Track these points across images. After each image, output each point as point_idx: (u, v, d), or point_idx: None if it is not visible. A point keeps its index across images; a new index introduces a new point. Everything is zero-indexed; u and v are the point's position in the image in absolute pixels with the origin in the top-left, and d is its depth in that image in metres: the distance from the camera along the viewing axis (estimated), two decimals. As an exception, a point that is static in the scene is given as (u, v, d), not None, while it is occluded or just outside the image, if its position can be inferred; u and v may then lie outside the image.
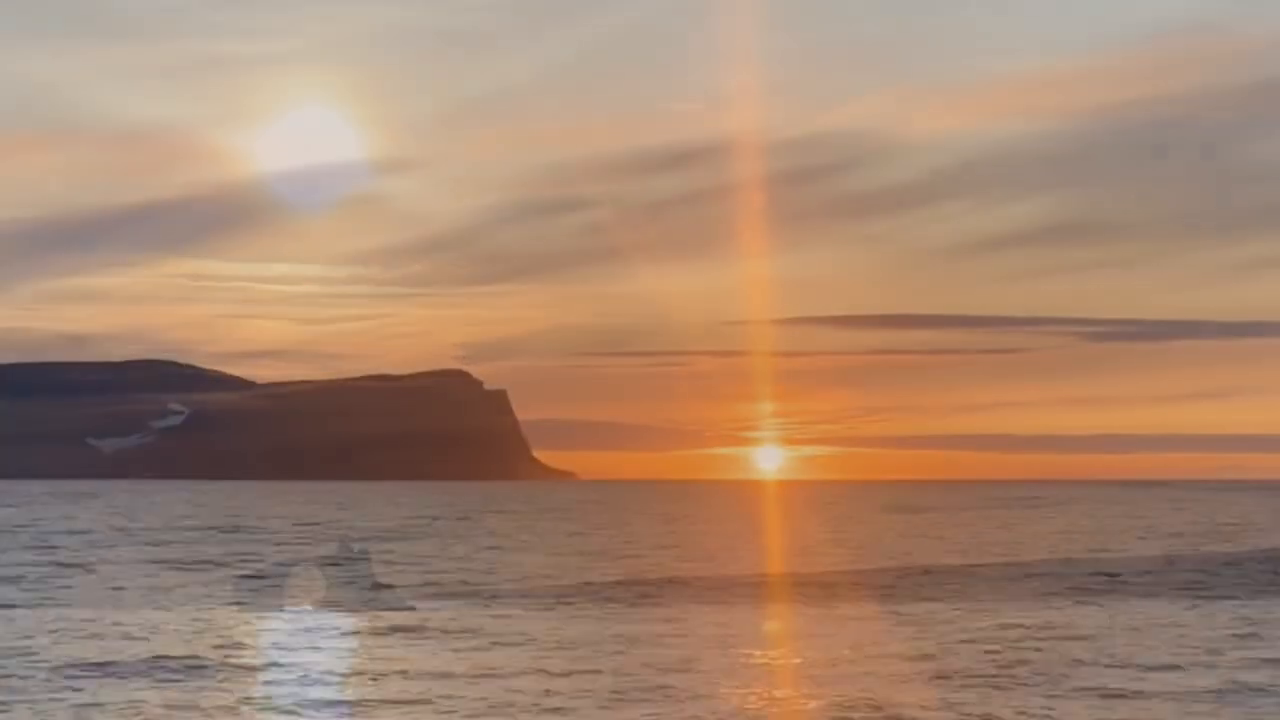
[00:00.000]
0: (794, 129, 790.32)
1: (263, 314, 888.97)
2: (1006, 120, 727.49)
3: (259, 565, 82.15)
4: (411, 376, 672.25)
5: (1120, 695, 38.46)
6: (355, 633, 51.37)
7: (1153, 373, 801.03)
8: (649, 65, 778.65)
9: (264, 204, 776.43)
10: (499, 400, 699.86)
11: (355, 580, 70.31)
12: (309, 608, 58.98)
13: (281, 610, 58.57)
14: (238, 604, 60.20)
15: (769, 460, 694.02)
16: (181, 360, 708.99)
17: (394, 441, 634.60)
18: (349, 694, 38.83)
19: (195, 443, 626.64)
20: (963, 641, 48.14)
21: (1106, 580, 73.64)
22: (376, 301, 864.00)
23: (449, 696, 37.96)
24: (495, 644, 47.50)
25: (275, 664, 43.57)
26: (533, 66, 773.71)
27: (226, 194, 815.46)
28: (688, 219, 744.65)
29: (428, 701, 37.49)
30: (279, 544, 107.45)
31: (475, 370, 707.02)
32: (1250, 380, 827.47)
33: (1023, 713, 36.07)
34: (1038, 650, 46.02)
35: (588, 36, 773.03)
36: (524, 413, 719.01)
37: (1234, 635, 50.86)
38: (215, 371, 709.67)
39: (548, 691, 38.45)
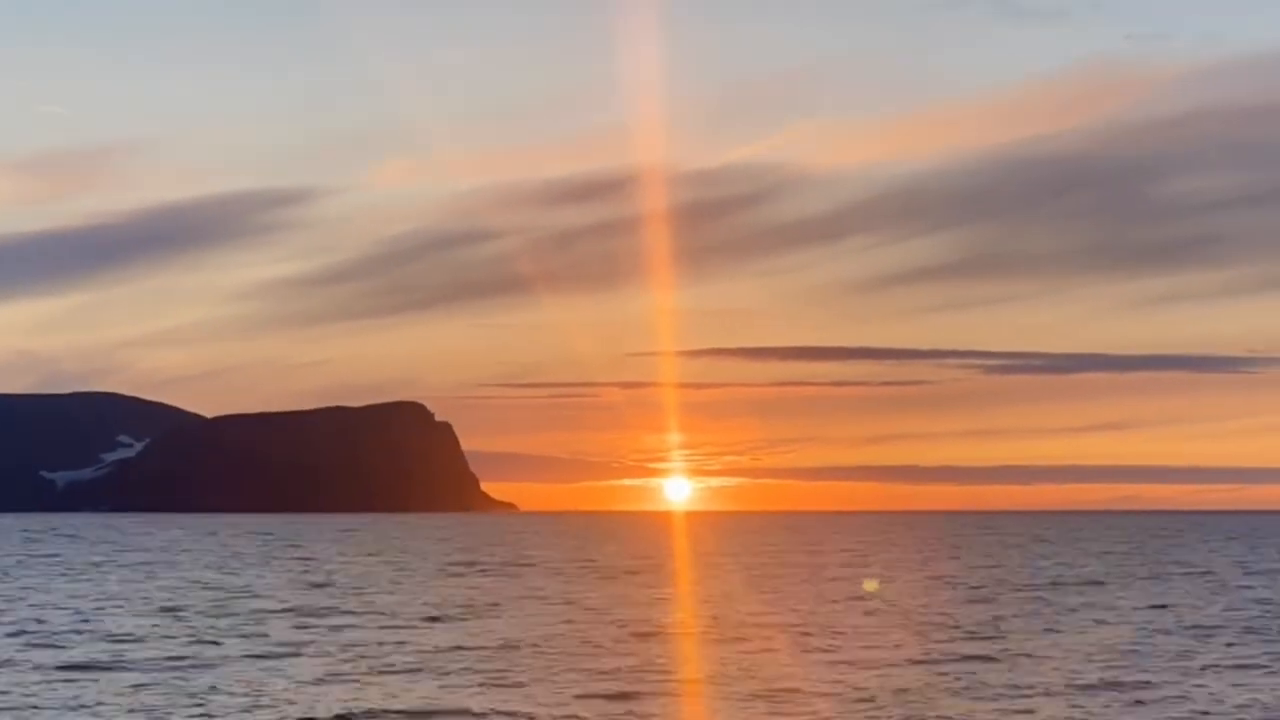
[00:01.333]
0: (705, 162, 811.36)
1: (167, 342, 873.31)
2: (915, 156, 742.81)
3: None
4: (366, 409, 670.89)
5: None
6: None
7: (1053, 405, 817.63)
8: (559, 97, 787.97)
9: (165, 232, 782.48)
10: (448, 433, 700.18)
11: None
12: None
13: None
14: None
15: (676, 491, 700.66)
16: (125, 392, 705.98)
17: (350, 473, 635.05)
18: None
19: (151, 475, 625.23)
20: None
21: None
22: (279, 331, 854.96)
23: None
24: None
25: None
26: (442, 96, 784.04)
27: (126, 221, 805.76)
28: (597, 251, 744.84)
29: None
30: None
31: (375, 400, 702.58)
32: (1146, 412, 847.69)
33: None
34: None
35: (495, 65, 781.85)
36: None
37: None
38: (159, 403, 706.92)
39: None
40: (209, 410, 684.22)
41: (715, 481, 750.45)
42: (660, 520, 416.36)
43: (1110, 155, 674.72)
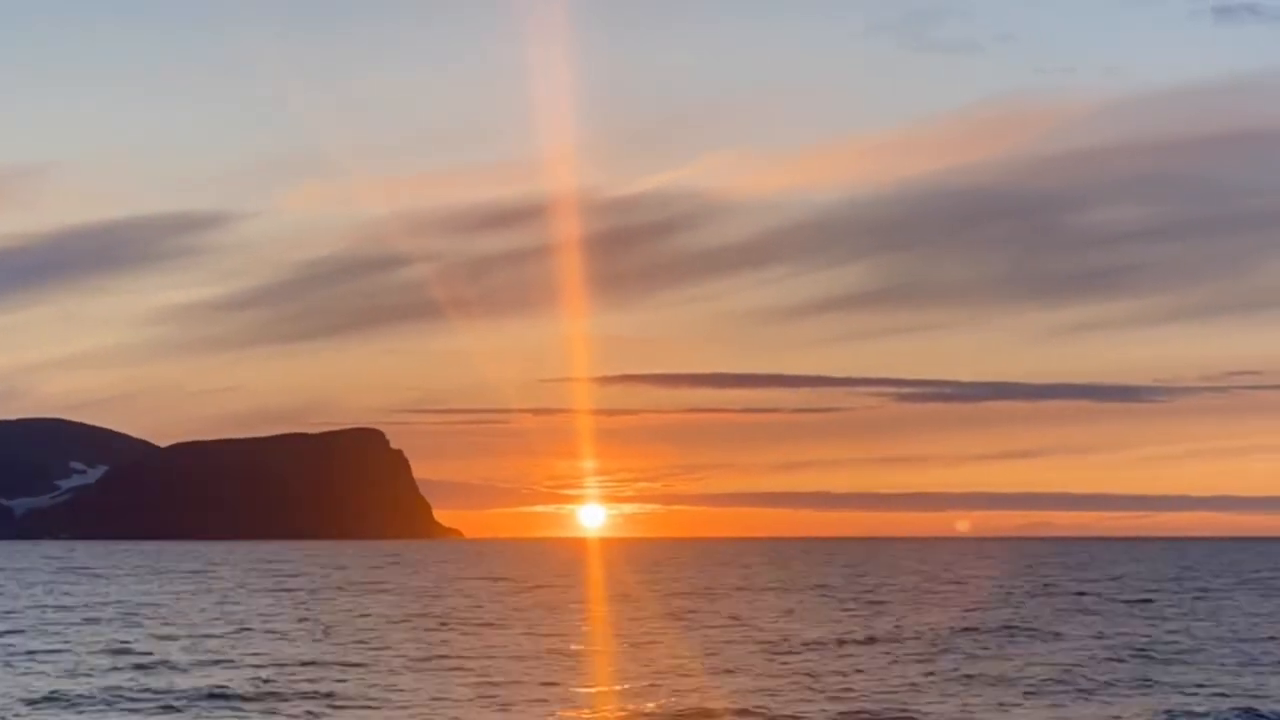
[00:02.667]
0: (622, 189, 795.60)
1: (78, 366, 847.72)
2: (832, 186, 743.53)
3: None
4: (323, 435, 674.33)
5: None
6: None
7: (964, 432, 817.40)
8: (475, 124, 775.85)
9: (76, 255, 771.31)
10: (401, 460, 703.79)
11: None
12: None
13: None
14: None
15: (588, 518, 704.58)
16: (72, 419, 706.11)
17: (307, 500, 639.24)
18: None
19: (111, 502, 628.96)
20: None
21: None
22: (188, 357, 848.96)
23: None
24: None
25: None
26: (357, 122, 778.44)
27: (37, 244, 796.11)
28: (511, 278, 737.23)
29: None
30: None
31: (288, 427, 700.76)
32: (1055, 441, 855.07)
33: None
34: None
35: (410, 92, 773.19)
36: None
37: None
38: (104, 428, 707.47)
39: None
40: (155, 437, 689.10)
41: (628, 508, 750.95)
42: (561, 547, 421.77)
43: (1022, 187, 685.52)
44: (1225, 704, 51.95)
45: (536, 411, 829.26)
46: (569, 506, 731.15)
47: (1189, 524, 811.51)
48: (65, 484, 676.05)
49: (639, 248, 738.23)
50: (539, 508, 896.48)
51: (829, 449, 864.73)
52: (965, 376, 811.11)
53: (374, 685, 55.60)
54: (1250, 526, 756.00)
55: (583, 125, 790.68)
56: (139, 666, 62.72)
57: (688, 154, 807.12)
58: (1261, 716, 49.56)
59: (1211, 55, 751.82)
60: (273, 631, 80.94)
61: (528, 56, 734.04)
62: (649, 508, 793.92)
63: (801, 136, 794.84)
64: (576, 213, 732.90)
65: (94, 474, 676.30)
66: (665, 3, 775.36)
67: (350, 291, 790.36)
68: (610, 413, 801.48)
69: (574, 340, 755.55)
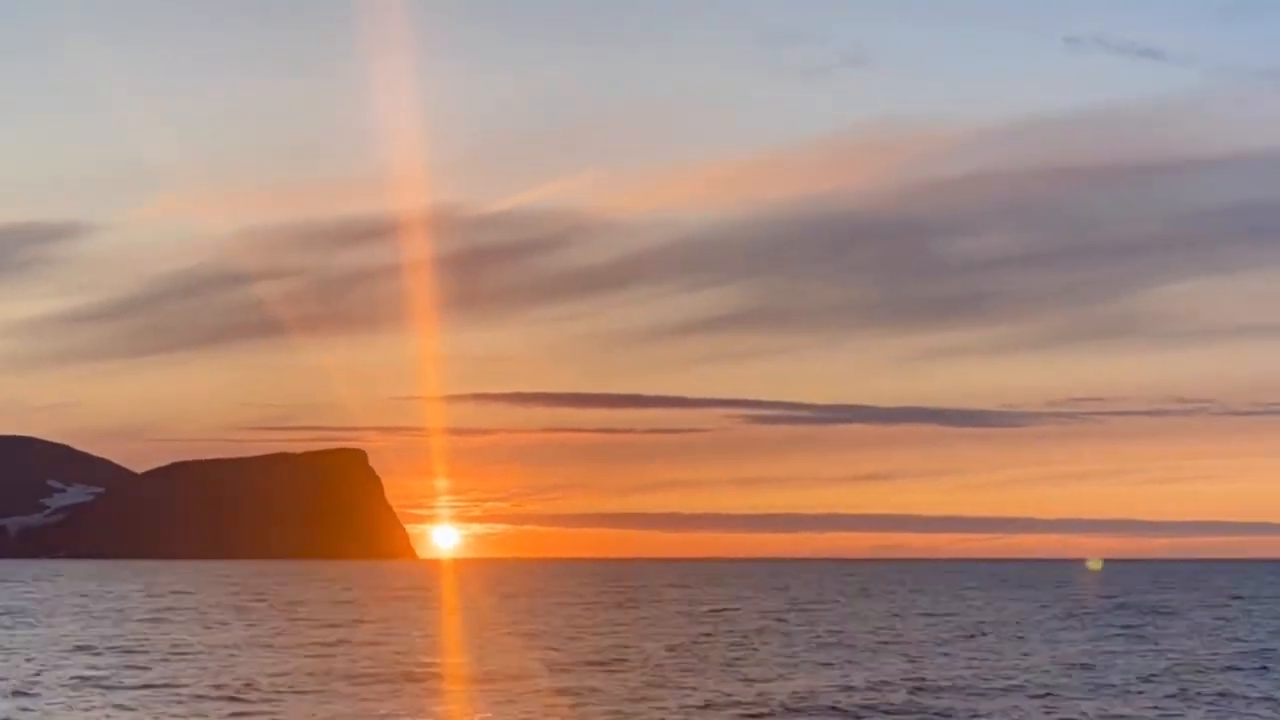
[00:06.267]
0: (484, 207, 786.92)
1: None
2: (702, 207, 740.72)
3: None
4: (310, 455, 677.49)
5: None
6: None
7: (816, 455, 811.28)
8: (333, 138, 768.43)
9: None
10: (377, 482, 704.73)
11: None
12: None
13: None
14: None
15: (439, 538, 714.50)
16: (43, 437, 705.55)
17: (294, 519, 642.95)
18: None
19: (107, 521, 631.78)
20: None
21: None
22: (32, 371, 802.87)
23: None
24: None
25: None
26: (211, 135, 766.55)
27: None
28: (367, 294, 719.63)
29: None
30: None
31: (128, 447, 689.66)
32: (906, 463, 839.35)
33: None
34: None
35: (267, 105, 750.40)
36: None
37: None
38: (69, 447, 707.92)
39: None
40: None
41: (479, 528, 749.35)
42: (408, 569, 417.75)
43: (891, 213, 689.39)
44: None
45: (386, 430, 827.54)
46: (419, 527, 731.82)
47: (1036, 546, 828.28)
48: (51, 502, 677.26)
49: (499, 266, 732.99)
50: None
51: (682, 470, 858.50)
52: (820, 399, 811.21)
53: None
54: (1090, 549, 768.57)
55: (444, 142, 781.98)
56: None
57: (551, 173, 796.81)
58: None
59: (1066, 86, 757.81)
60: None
61: (396, 69, 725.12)
62: (499, 528, 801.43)
63: (667, 158, 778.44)
64: (435, 230, 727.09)
65: (73, 492, 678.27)
66: (531, 21, 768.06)
67: (200, 306, 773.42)
68: (462, 432, 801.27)
69: (428, 358, 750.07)
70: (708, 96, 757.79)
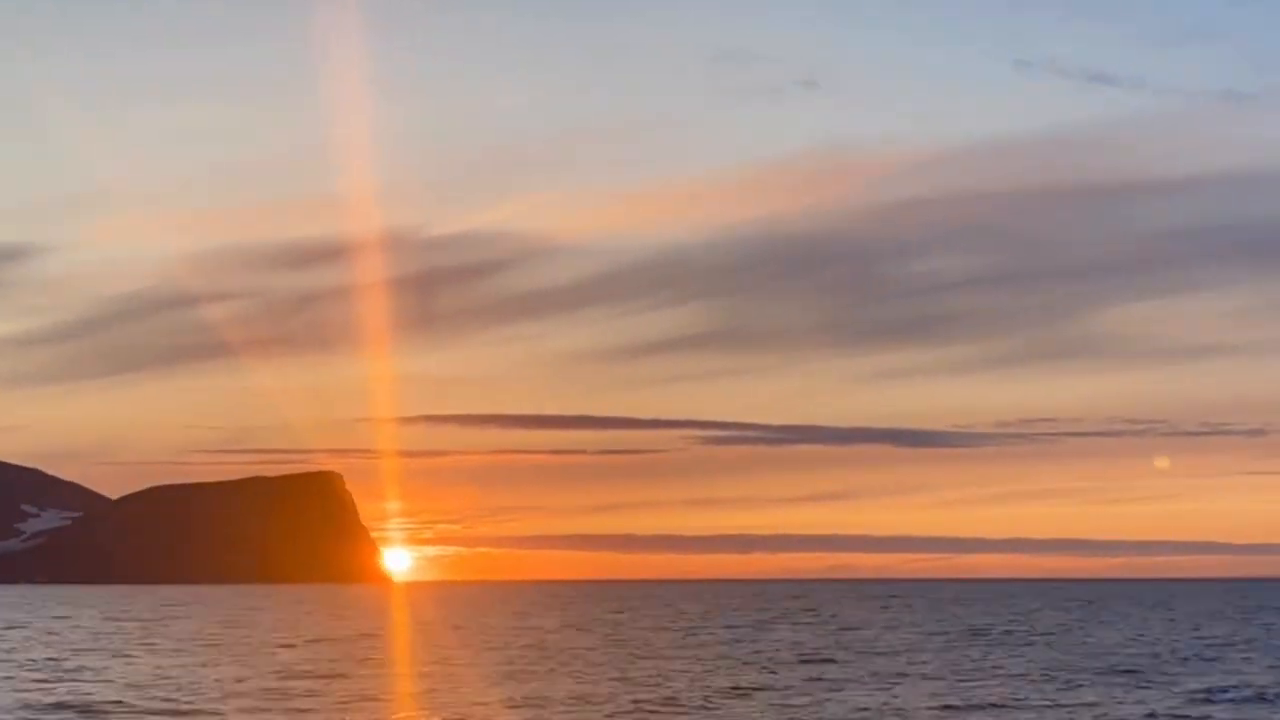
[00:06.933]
0: (438, 229, 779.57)
1: None
2: (658, 229, 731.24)
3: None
4: (285, 479, 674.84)
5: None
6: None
7: (769, 475, 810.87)
8: (286, 159, 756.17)
9: None
10: (352, 503, 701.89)
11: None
12: None
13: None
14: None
15: (390, 561, 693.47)
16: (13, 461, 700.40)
17: (268, 544, 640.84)
18: None
19: (86, 546, 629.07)
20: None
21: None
22: None
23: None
24: None
25: None
26: (163, 156, 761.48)
27: None
28: (319, 316, 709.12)
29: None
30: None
31: (80, 469, 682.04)
32: (858, 484, 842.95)
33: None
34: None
35: (218, 126, 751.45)
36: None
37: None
38: (55, 476, 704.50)
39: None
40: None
41: (431, 550, 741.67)
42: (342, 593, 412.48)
43: (845, 235, 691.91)
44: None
45: (337, 452, 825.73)
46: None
47: (986, 566, 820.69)
48: (25, 527, 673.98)
49: (453, 288, 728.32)
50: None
51: (634, 491, 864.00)
52: (773, 420, 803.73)
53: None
54: (1041, 569, 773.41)
55: (398, 164, 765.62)
56: None
57: (506, 195, 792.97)
58: None
59: (1017, 109, 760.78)
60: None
61: (351, 90, 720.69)
62: (450, 550, 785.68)
63: (633, 178, 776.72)
64: (388, 252, 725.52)
65: (48, 516, 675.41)
66: (485, 44, 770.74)
67: (151, 329, 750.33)
68: (414, 454, 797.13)
69: (380, 380, 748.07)
70: (661, 118, 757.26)
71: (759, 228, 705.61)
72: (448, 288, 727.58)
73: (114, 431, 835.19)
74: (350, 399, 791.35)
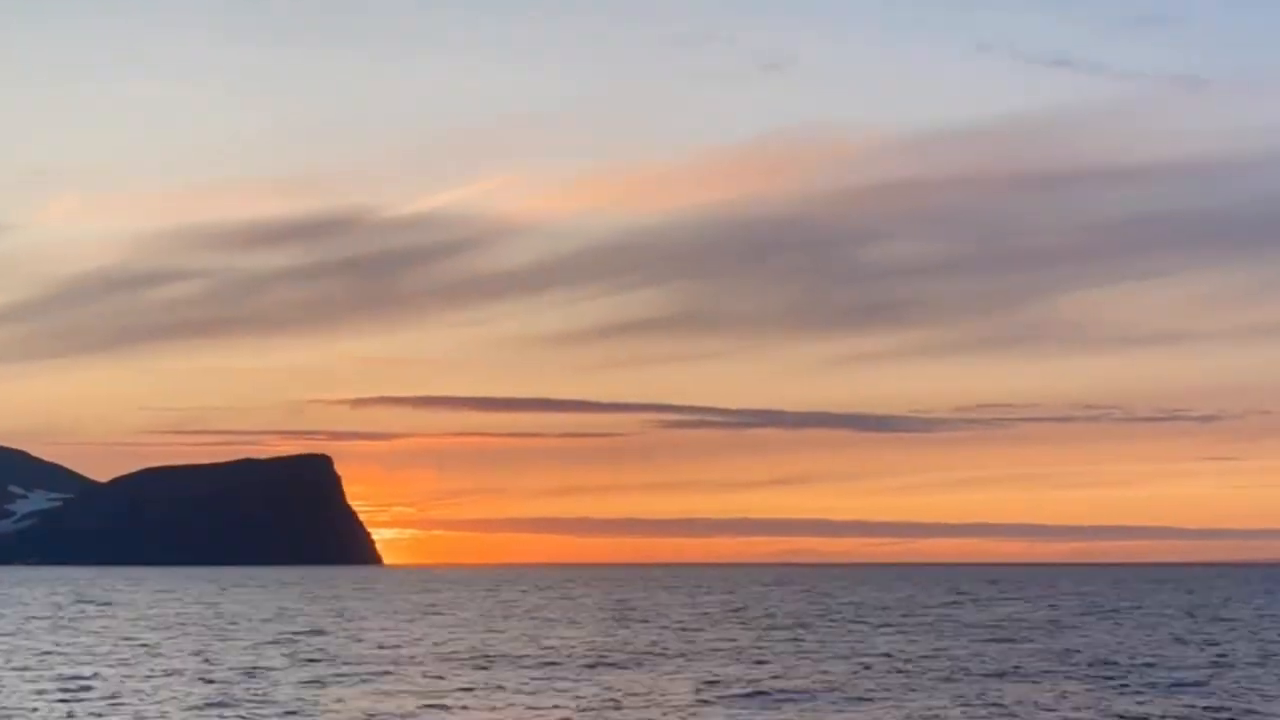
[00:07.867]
0: (400, 209, 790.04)
1: None
2: (625, 211, 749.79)
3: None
4: (277, 460, 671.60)
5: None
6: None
7: (728, 460, 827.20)
8: (252, 138, 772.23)
9: None
10: (339, 486, 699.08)
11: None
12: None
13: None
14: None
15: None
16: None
17: (263, 525, 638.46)
18: None
19: (81, 527, 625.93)
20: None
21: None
22: None
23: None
24: None
25: None
26: (127, 132, 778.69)
27: None
28: (277, 297, 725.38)
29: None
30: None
31: (34, 448, 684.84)
32: (815, 468, 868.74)
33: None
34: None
35: (186, 103, 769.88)
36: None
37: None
38: (39, 459, 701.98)
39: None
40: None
41: (387, 533, 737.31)
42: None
43: (807, 219, 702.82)
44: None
45: (292, 434, 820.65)
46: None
47: (945, 550, 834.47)
48: (14, 508, 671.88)
49: (413, 270, 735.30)
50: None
51: (594, 475, 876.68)
52: (733, 404, 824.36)
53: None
54: (999, 553, 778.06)
55: (358, 144, 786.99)
56: None
57: (466, 177, 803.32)
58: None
59: (979, 93, 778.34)
60: None
61: (317, 70, 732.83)
62: (406, 533, 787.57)
63: (599, 159, 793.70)
64: (347, 232, 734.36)
65: (35, 496, 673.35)
66: (448, 25, 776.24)
67: (110, 308, 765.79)
68: (369, 436, 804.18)
69: (337, 361, 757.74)
70: (624, 102, 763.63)
71: (719, 212, 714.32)
72: (406, 269, 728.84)
73: (68, 412, 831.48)
74: (306, 380, 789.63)
